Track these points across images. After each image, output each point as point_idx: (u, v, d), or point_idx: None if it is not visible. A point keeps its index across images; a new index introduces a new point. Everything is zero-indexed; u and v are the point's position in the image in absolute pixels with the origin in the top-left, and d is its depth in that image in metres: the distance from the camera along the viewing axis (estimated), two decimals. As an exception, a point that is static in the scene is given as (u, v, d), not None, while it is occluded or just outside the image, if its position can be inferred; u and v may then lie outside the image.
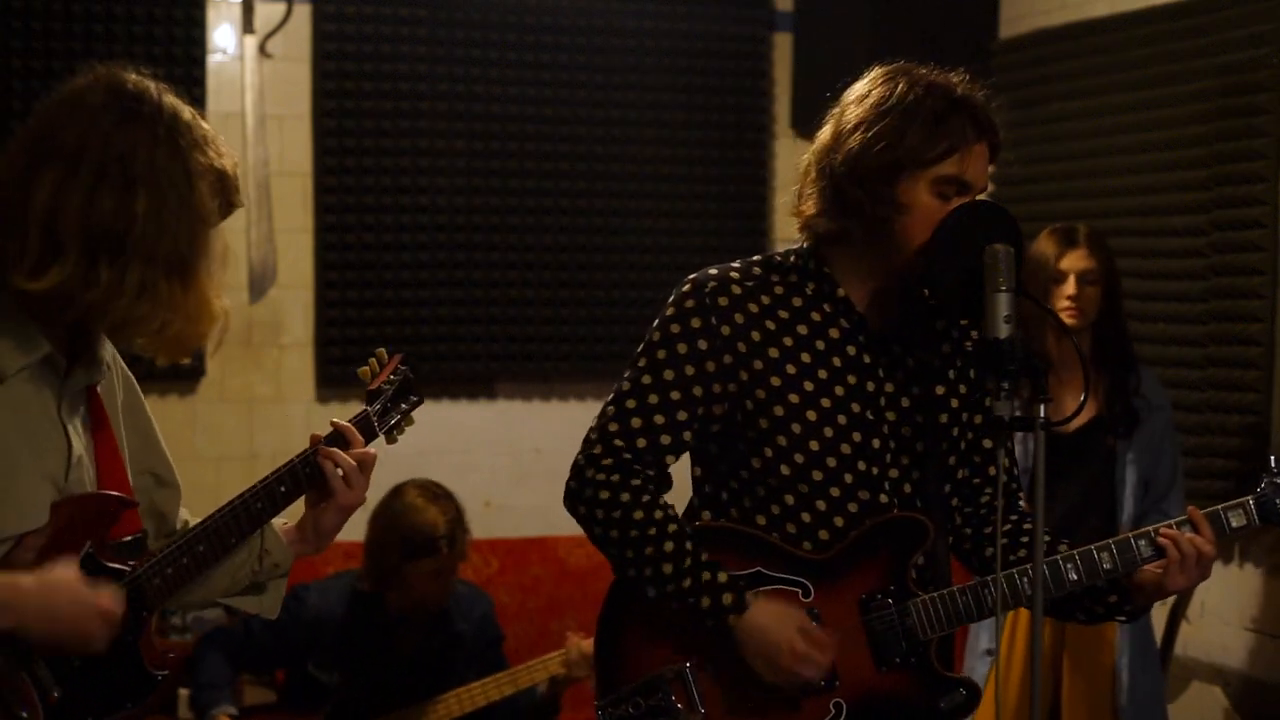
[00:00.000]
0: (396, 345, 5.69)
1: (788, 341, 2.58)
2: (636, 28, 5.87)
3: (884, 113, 2.50)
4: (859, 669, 2.57)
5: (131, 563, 2.30)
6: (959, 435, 2.66)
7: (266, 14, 5.48)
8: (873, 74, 2.59)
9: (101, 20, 5.31)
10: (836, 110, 2.59)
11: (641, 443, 2.58)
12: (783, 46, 6.07)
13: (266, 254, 5.32)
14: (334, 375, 5.61)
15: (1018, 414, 2.36)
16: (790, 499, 2.57)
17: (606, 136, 5.85)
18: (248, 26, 5.45)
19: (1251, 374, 4.68)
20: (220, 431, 5.52)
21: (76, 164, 2.17)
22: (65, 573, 2.17)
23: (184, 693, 4.53)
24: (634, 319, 5.77)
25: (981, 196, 2.55)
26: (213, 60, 5.47)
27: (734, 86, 6.01)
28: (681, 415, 2.58)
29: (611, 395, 2.62)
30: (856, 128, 2.52)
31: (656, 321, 2.62)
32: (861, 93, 2.56)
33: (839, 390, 2.58)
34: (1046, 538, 2.69)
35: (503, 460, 5.82)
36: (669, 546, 2.54)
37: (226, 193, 2.29)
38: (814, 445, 2.56)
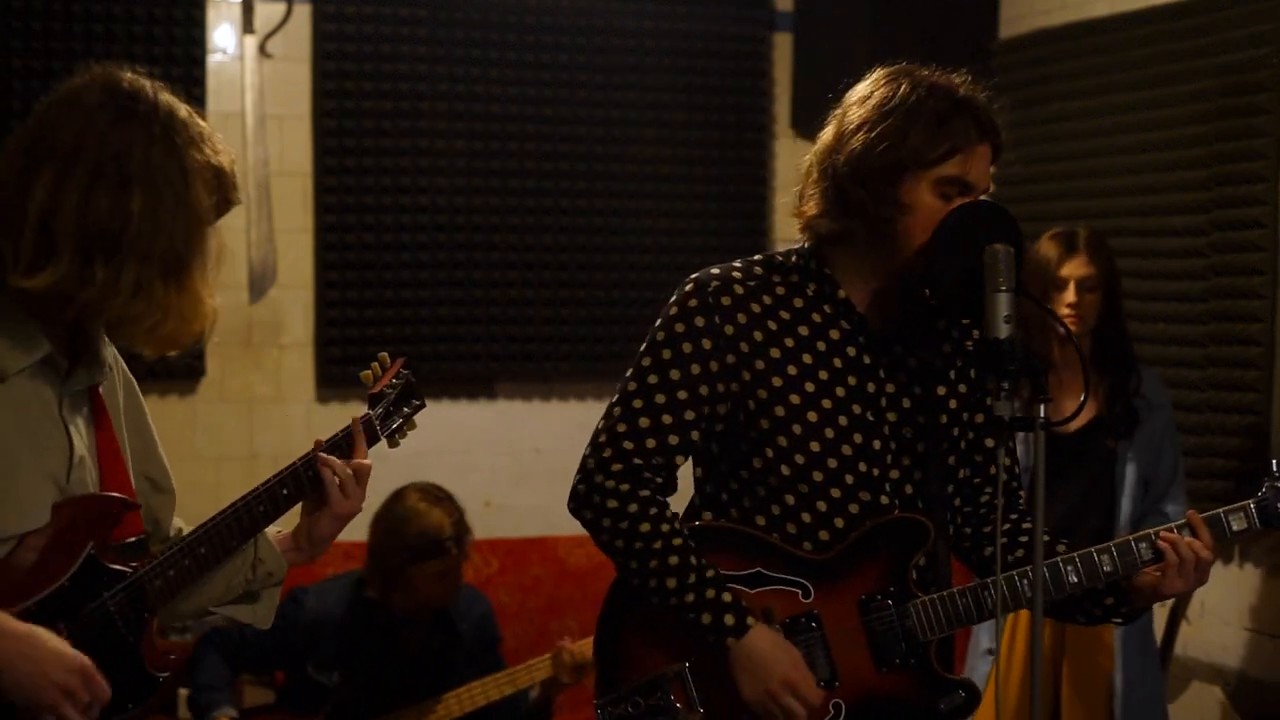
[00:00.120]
0: (396, 345, 5.73)
1: (789, 342, 2.58)
2: (636, 28, 5.87)
3: (887, 113, 2.50)
4: (859, 670, 2.57)
5: (133, 564, 2.30)
6: (960, 435, 2.66)
7: (266, 14, 5.48)
8: (875, 75, 2.59)
9: (101, 20, 5.31)
10: (839, 111, 2.59)
11: (651, 443, 2.57)
12: (783, 46, 6.07)
13: (266, 254, 5.32)
14: (334, 375, 5.61)
15: (1018, 414, 2.36)
16: (791, 499, 2.57)
17: (606, 136, 5.85)
18: (248, 26, 5.45)
19: (1251, 374, 4.68)
20: (220, 431, 5.52)
21: (73, 163, 2.17)
22: (57, 650, 2.15)
23: (183, 693, 4.54)
24: (634, 319, 5.77)
25: (982, 197, 2.55)
26: (213, 60, 5.47)
27: (734, 86, 6.01)
28: (689, 415, 2.58)
29: (617, 395, 2.62)
30: (859, 128, 2.52)
31: (659, 321, 2.62)
32: (864, 94, 2.56)
33: (840, 391, 2.58)
34: (1045, 538, 2.69)
35: (503, 460, 5.82)
36: (674, 561, 2.54)
37: (224, 189, 2.29)
38: (815, 446, 2.56)
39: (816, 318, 2.60)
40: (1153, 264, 4.98)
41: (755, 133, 6.05)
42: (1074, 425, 3.97)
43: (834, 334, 2.60)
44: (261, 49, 5.47)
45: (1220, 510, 2.65)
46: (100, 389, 2.34)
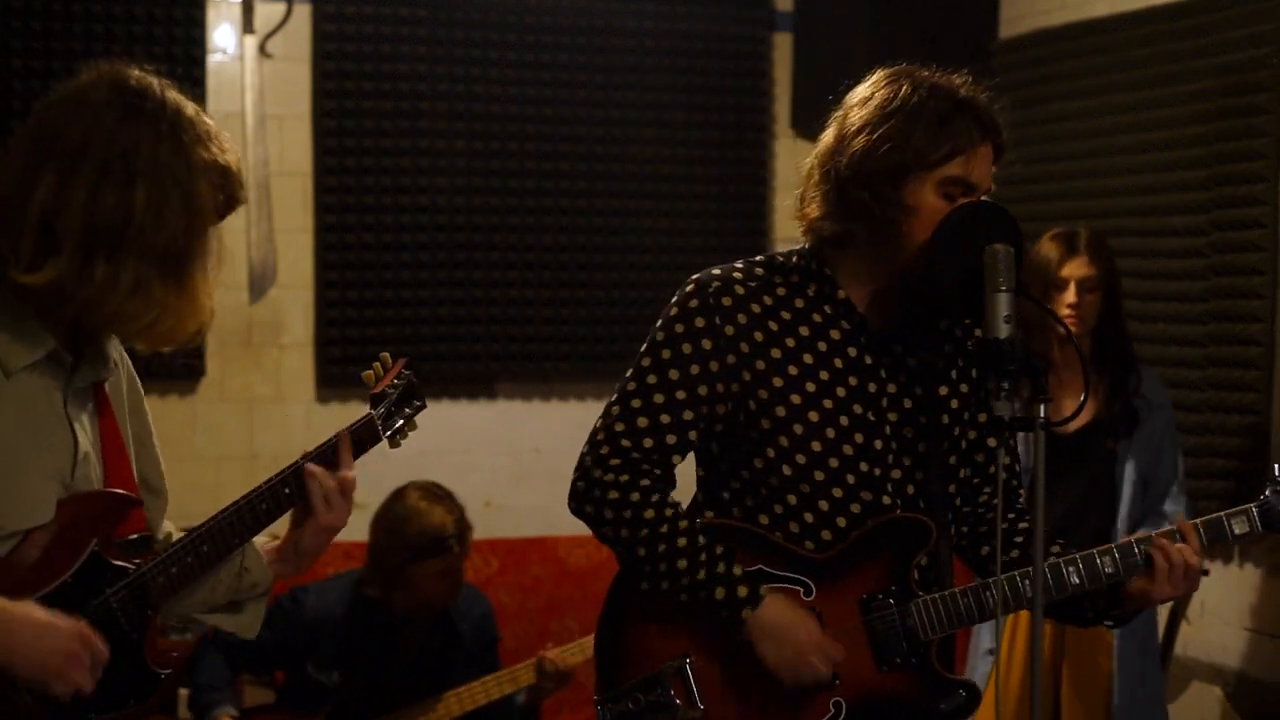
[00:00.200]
0: (396, 345, 5.73)
1: (790, 342, 2.58)
2: (636, 28, 5.87)
3: (888, 115, 2.50)
4: (859, 669, 2.57)
5: (137, 560, 2.30)
6: (961, 435, 2.67)
7: (266, 14, 5.48)
8: (875, 76, 2.59)
9: (101, 20, 5.31)
10: (839, 113, 2.59)
11: (648, 442, 2.58)
12: (783, 46, 6.08)
13: (266, 254, 5.32)
14: (334, 375, 5.61)
15: (1018, 414, 2.36)
16: (793, 499, 2.57)
17: (606, 136, 5.85)
18: (248, 26, 5.45)
19: (1251, 374, 4.68)
20: (220, 431, 5.52)
21: (78, 160, 2.17)
22: (50, 622, 2.15)
23: (184, 693, 4.54)
24: (634, 319, 5.78)
25: (983, 197, 2.56)
26: (213, 60, 5.47)
27: (734, 86, 6.01)
28: (687, 415, 2.58)
29: (615, 394, 2.63)
30: (861, 130, 2.52)
31: (660, 321, 2.62)
32: (865, 95, 2.56)
33: (841, 391, 2.58)
34: (1018, 535, 2.70)
35: (503, 460, 5.82)
36: (681, 542, 2.55)
37: (229, 189, 2.29)
38: (816, 446, 2.56)
39: (817, 318, 2.60)
40: (1153, 264, 4.98)
41: (755, 133, 6.05)
42: (1074, 425, 3.98)
43: (835, 334, 2.60)
44: (261, 49, 5.47)
45: (1222, 514, 2.65)
46: (105, 385, 2.34)
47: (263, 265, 5.31)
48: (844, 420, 2.57)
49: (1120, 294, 4.33)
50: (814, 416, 2.56)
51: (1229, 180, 4.75)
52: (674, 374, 2.57)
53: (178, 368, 5.23)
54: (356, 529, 4.40)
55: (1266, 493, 2.64)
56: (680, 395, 2.57)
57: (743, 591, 2.52)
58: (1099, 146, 5.24)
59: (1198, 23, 4.90)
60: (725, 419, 2.59)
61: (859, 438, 2.58)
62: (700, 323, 2.58)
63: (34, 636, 2.13)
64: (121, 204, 2.17)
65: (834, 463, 2.56)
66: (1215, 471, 4.77)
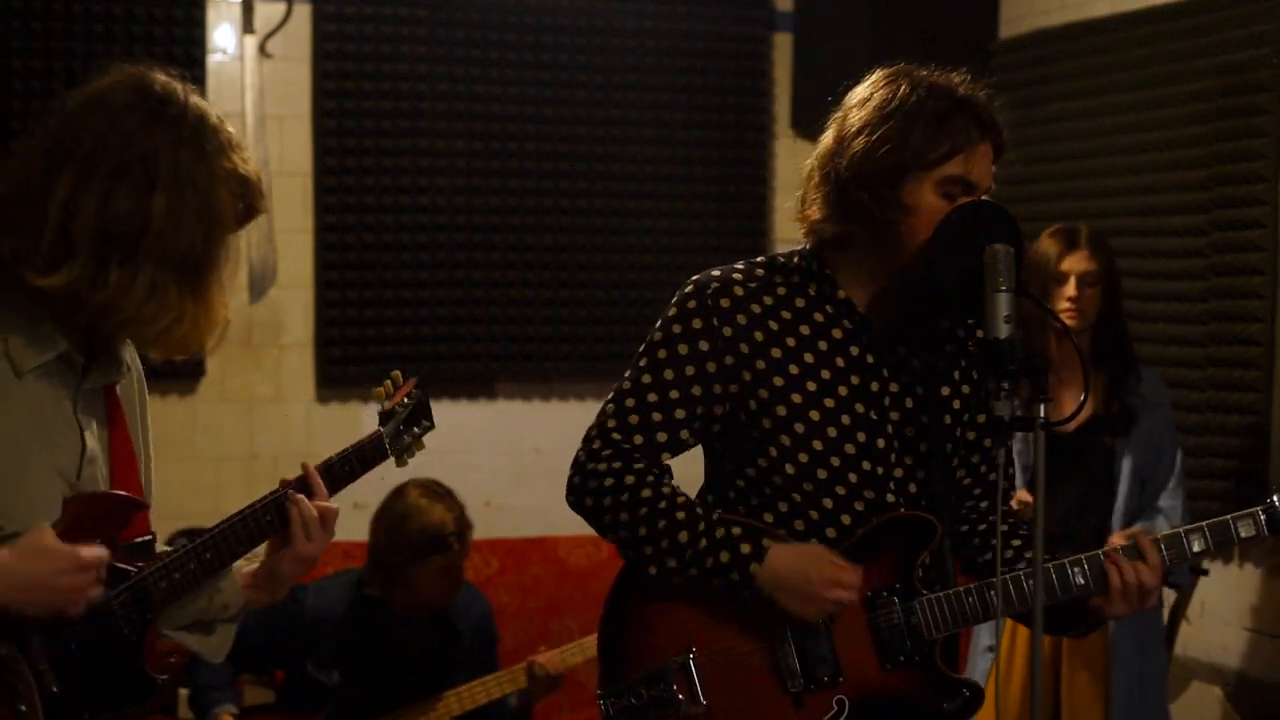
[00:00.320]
0: (396, 345, 5.74)
1: (790, 342, 2.58)
2: (636, 28, 5.87)
3: (887, 115, 2.50)
4: (863, 667, 2.57)
5: (139, 564, 2.30)
6: (962, 436, 2.67)
7: (266, 14, 5.48)
8: (874, 77, 2.59)
9: (101, 20, 5.32)
10: (839, 114, 2.59)
11: (639, 439, 2.59)
12: (783, 46, 6.08)
13: (266, 254, 5.32)
14: (334, 375, 5.62)
15: (1018, 414, 2.36)
16: (796, 497, 2.57)
17: (606, 136, 5.85)
18: (248, 26, 5.45)
19: (1251, 374, 4.68)
20: (220, 431, 5.52)
21: (97, 163, 2.17)
22: (38, 538, 2.13)
23: (184, 693, 4.54)
24: (634, 319, 5.78)
25: (984, 197, 2.55)
26: (213, 60, 5.47)
27: (734, 86, 6.01)
28: (679, 414, 2.58)
29: (611, 394, 2.64)
30: (860, 131, 2.52)
31: (659, 322, 2.63)
32: (864, 96, 2.56)
33: (842, 390, 2.58)
34: (1015, 538, 2.70)
35: (503, 460, 5.82)
36: (681, 515, 2.55)
37: (249, 198, 2.28)
38: (818, 445, 2.56)
39: (819, 317, 2.60)
40: (1153, 264, 4.98)
41: (755, 133, 6.05)
42: (1073, 425, 3.97)
43: (836, 333, 2.60)
44: (261, 49, 5.47)
45: (1228, 517, 2.64)
46: (117, 388, 2.34)
47: (263, 265, 5.31)
48: (846, 419, 2.57)
49: (1120, 292, 4.33)
50: (815, 415, 2.56)
51: (1229, 180, 4.75)
52: (669, 374, 2.58)
53: (178, 368, 5.23)
54: (356, 528, 4.41)
55: (1274, 497, 2.63)
56: (674, 395, 2.58)
57: (746, 548, 2.52)
58: (1099, 146, 5.24)
59: (1198, 23, 4.90)
60: (725, 419, 2.59)
61: (861, 436, 2.58)
62: (697, 324, 2.58)
63: (33, 576, 2.11)
64: (139, 209, 2.16)
65: (836, 461, 2.56)
66: (1215, 471, 4.77)
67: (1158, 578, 2.60)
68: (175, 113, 2.21)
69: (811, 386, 2.57)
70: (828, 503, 2.57)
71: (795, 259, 2.65)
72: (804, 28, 6.01)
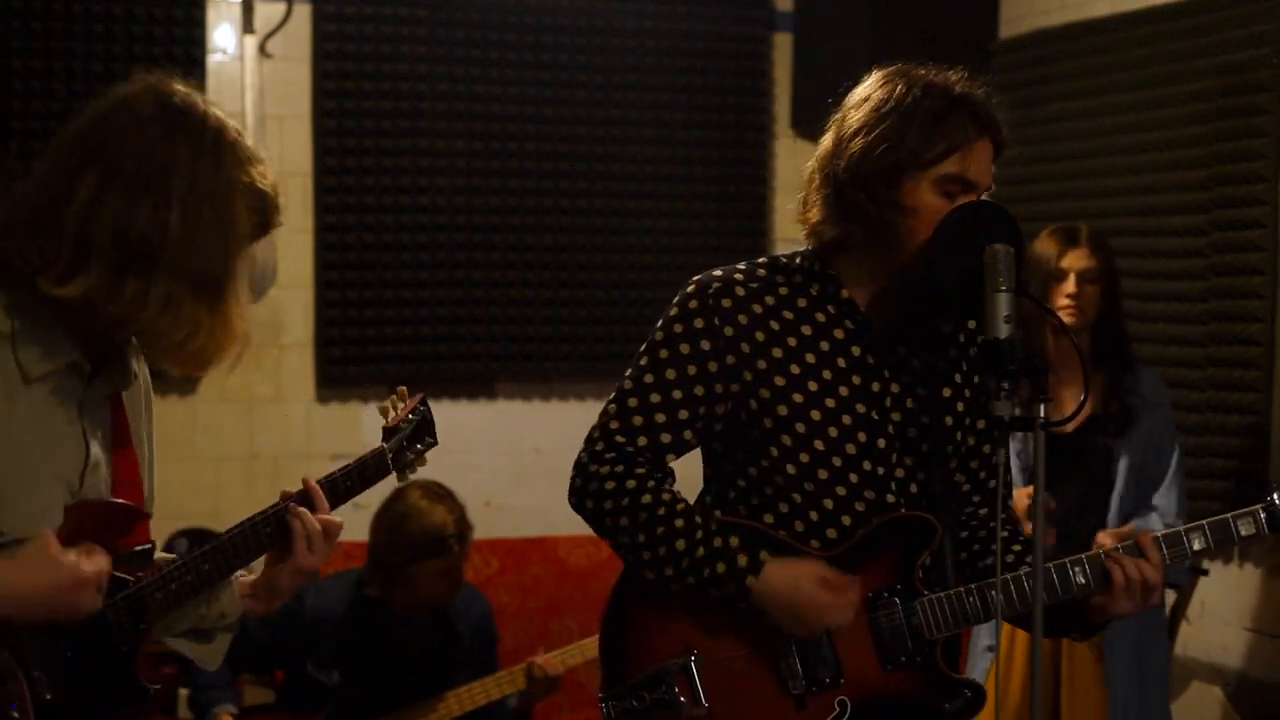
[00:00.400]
0: (396, 345, 5.74)
1: (791, 342, 2.58)
2: (636, 28, 5.87)
3: (883, 116, 2.50)
4: (864, 667, 2.57)
5: (138, 574, 2.29)
6: (963, 439, 2.67)
7: (266, 14, 5.48)
8: (872, 78, 2.59)
9: (101, 20, 5.31)
10: (838, 116, 2.60)
11: (642, 440, 2.59)
12: (783, 46, 6.08)
13: (266, 254, 5.32)
14: (334, 375, 5.62)
15: (1017, 414, 2.36)
16: (797, 497, 2.57)
17: (606, 136, 5.85)
18: (248, 26, 5.45)
19: (1251, 374, 4.68)
20: (220, 431, 5.52)
21: (116, 172, 2.16)
22: (42, 547, 2.13)
23: (184, 692, 4.54)
24: (634, 319, 5.78)
25: (983, 196, 2.55)
26: (213, 60, 5.47)
27: (734, 86, 6.01)
28: (683, 414, 2.58)
29: (613, 394, 2.64)
30: (857, 133, 2.52)
31: (660, 321, 2.63)
32: (861, 97, 2.57)
33: (844, 390, 2.58)
34: (1015, 543, 2.70)
35: (503, 460, 5.82)
36: (679, 523, 2.55)
37: (265, 213, 2.28)
38: (819, 445, 2.56)
39: (820, 317, 2.60)
40: (1153, 264, 4.98)
41: (755, 133, 6.05)
42: (1072, 425, 3.97)
43: (838, 333, 2.60)
44: (261, 49, 5.47)
45: (1229, 515, 2.64)
46: (123, 396, 2.33)
47: (262, 265, 5.31)
48: (847, 419, 2.57)
49: (1120, 292, 4.33)
50: (816, 415, 2.56)
51: (1229, 180, 4.75)
52: (671, 374, 2.58)
53: (178, 367, 5.23)
54: (357, 528, 4.41)
55: (1275, 495, 2.63)
56: (676, 395, 2.58)
57: (743, 560, 2.52)
58: (1099, 146, 5.24)
59: (1198, 23, 4.90)
60: (726, 419, 2.59)
61: (862, 436, 2.58)
62: (699, 324, 2.58)
63: (43, 589, 2.11)
64: (157, 221, 2.15)
65: (837, 461, 2.56)
66: (1215, 471, 4.77)
67: (1160, 574, 2.60)
68: (195, 126, 2.21)
69: (813, 386, 2.57)
70: (828, 503, 2.57)
71: (798, 259, 2.65)
72: (804, 28, 6.01)
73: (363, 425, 5.61)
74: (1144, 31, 5.10)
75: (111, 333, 2.23)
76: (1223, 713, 4.85)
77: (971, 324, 2.66)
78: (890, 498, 2.59)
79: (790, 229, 2.71)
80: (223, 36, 5.48)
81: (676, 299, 2.63)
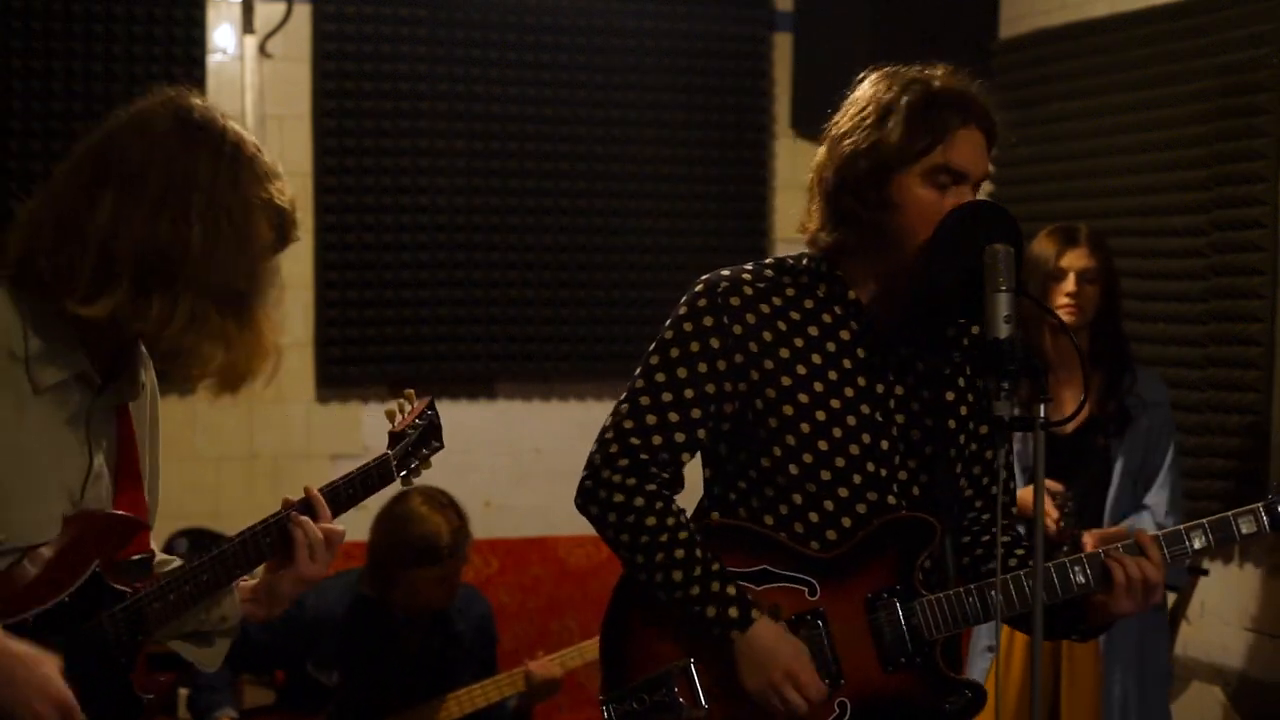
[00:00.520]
0: (396, 345, 5.74)
1: (798, 342, 2.58)
2: (636, 28, 5.87)
3: (866, 118, 2.52)
4: (864, 668, 2.57)
5: (136, 584, 2.29)
6: (966, 443, 2.67)
7: (266, 14, 5.48)
8: (865, 81, 2.61)
9: (101, 20, 5.31)
10: (834, 121, 2.61)
11: (657, 440, 2.59)
12: (783, 46, 6.08)
13: (266, 254, 5.32)
14: (334, 375, 5.61)
15: (1017, 414, 2.36)
16: (798, 498, 2.57)
17: (606, 136, 5.85)
18: (248, 26, 5.45)
19: (1251, 374, 4.68)
20: (220, 431, 5.52)
21: (137, 188, 2.15)
22: (41, 663, 2.11)
23: (184, 693, 4.53)
24: (634, 319, 5.78)
25: (982, 196, 2.56)
26: (213, 60, 5.47)
27: (734, 86, 6.01)
28: (695, 413, 2.59)
29: (625, 394, 2.62)
30: (843, 137, 2.55)
31: (669, 321, 2.63)
32: (850, 101, 2.59)
33: (848, 391, 2.58)
34: (1019, 548, 2.70)
35: (503, 460, 5.82)
36: (679, 554, 2.55)
37: (283, 229, 2.28)
38: (823, 445, 2.56)
39: (827, 318, 2.61)
40: (1153, 264, 4.98)
41: (755, 133, 6.05)
42: (1071, 425, 3.97)
43: (844, 335, 2.60)
44: (261, 49, 5.47)
45: (1230, 513, 2.64)
46: (130, 406, 2.33)
47: (263, 265, 5.31)
48: (851, 420, 2.57)
49: (1119, 292, 4.33)
50: (821, 416, 2.56)
51: (1229, 180, 4.75)
52: (682, 373, 2.58)
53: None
54: (357, 529, 4.40)
55: (1274, 494, 2.63)
56: (688, 394, 2.58)
57: (734, 613, 2.53)
58: (1099, 146, 5.24)
59: (1198, 23, 4.90)
60: (733, 418, 2.60)
61: (866, 438, 2.58)
62: (708, 322, 2.58)
63: (21, 684, 2.09)
64: (178, 237, 2.15)
65: (840, 462, 2.57)
66: (1215, 471, 4.77)
67: (1161, 573, 2.60)
68: (214, 140, 2.20)
69: (818, 387, 2.57)
70: (829, 504, 2.57)
71: (805, 260, 2.66)
72: (804, 28, 6.01)
73: (363, 425, 5.61)
74: (1144, 31, 5.10)
75: (133, 346, 2.21)
76: (1223, 713, 4.85)
77: (975, 329, 2.65)
78: (892, 500, 2.59)
79: (790, 229, 2.71)
80: (223, 36, 5.48)
81: (685, 298, 2.63)
